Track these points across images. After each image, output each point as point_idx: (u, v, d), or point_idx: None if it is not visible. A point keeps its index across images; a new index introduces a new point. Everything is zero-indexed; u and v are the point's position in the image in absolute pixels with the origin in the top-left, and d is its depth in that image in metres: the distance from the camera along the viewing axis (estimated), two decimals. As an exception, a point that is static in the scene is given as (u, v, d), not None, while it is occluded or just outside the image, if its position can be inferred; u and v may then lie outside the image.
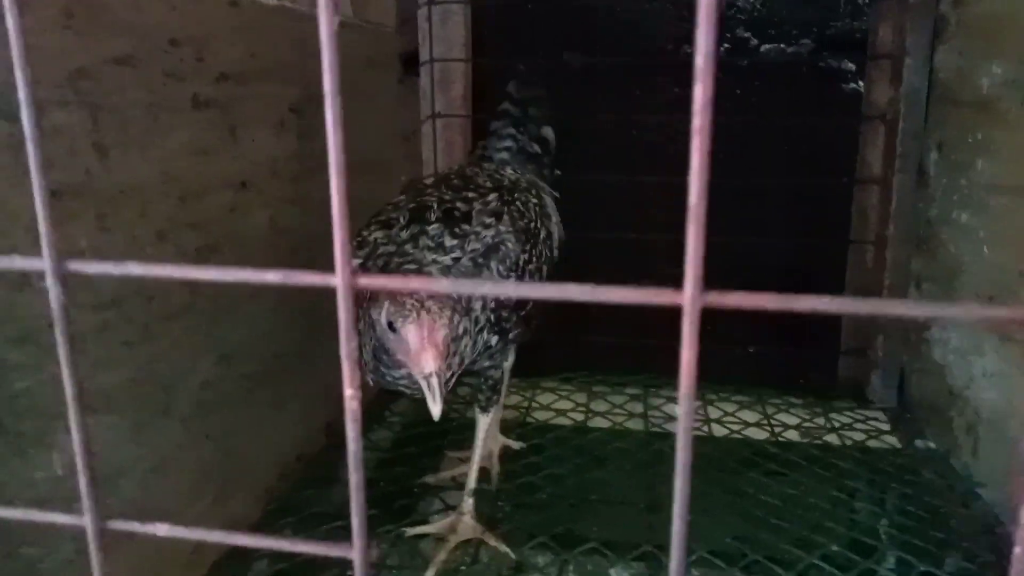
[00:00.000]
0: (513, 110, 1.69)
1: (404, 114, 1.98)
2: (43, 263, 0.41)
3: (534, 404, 1.97)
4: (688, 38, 2.05)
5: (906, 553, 1.34)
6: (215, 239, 1.21)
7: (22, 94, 0.37)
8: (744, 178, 2.01)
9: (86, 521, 0.46)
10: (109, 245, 1.00)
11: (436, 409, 1.01)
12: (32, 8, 0.86)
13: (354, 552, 0.45)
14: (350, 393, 0.41)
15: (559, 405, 1.97)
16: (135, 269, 0.39)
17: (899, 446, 1.77)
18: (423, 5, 1.96)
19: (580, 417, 1.91)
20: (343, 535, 1.22)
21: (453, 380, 1.11)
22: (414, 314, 1.00)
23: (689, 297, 0.36)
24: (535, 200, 1.46)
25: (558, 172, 2.00)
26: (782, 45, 2.04)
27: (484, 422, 1.45)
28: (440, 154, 2.04)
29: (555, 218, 1.58)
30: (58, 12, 0.90)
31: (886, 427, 1.86)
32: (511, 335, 1.29)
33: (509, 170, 1.59)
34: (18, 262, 0.42)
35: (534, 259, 1.33)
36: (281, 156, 1.38)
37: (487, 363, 1.33)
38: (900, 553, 1.34)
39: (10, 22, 0.37)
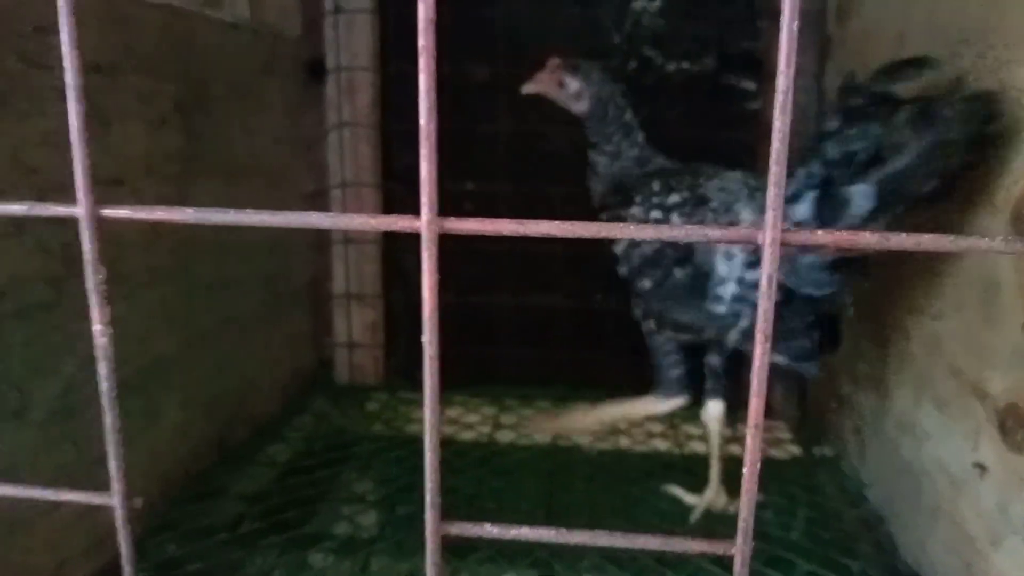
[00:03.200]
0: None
1: (307, 122, 1.95)
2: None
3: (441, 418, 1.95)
4: (589, 54, 2.09)
5: (789, 552, 1.35)
6: (84, 236, 1.16)
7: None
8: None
9: None
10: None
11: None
12: None
13: (114, 498, 0.43)
14: (99, 329, 0.39)
15: (466, 419, 1.95)
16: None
17: (799, 454, 1.80)
18: (329, 13, 1.95)
19: (487, 430, 1.89)
20: (233, 550, 1.17)
21: None
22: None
23: (426, 221, 0.34)
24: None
25: (470, 186, 2.01)
26: (686, 64, 2.10)
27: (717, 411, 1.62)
28: (347, 163, 2.02)
29: None
30: None
31: (788, 436, 1.90)
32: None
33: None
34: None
35: None
36: (161, 155, 1.34)
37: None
38: (780, 551, 1.36)
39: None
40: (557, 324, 2.12)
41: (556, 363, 2.13)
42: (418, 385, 2.12)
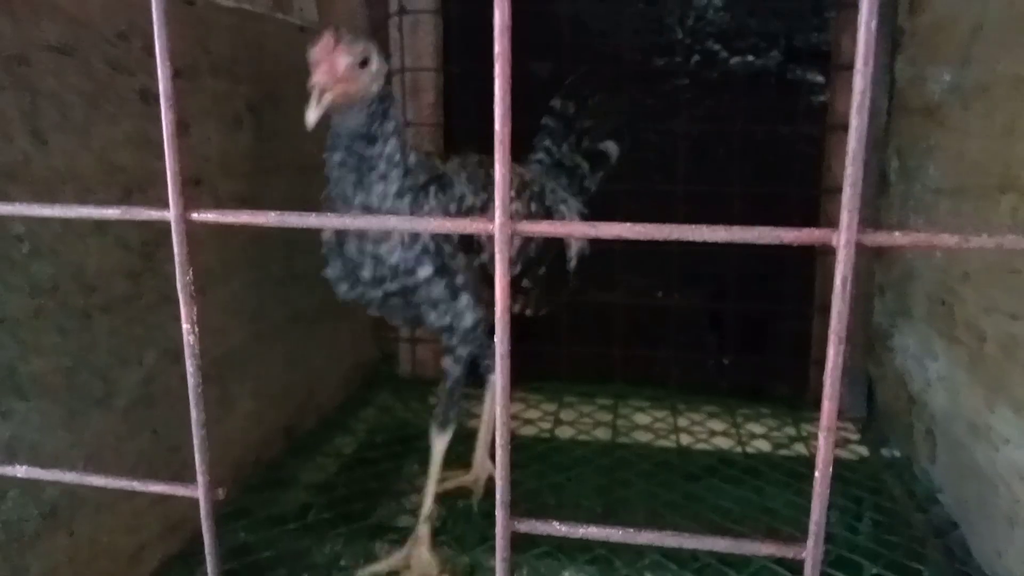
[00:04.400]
0: (553, 124, 1.68)
1: (373, 121, 1.99)
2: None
3: (501, 412, 1.96)
4: (656, 50, 2.08)
5: (855, 554, 1.33)
6: (162, 234, 1.21)
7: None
8: (715, 186, 2.03)
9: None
10: (46, 231, 1.01)
11: (310, 114, 1.04)
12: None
13: (199, 490, 0.45)
14: (187, 328, 0.41)
15: (527, 415, 1.96)
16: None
17: (866, 455, 1.76)
18: (394, 14, 1.98)
19: (547, 426, 1.90)
20: (301, 538, 1.21)
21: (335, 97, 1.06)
22: (327, 35, 1.06)
23: (499, 224, 0.35)
24: (536, 192, 1.49)
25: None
26: (750, 57, 2.06)
27: (440, 444, 1.37)
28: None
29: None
30: (-6, -4, 0.91)
31: (855, 437, 1.85)
32: (458, 280, 1.26)
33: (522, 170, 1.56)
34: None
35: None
36: (235, 154, 1.39)
37: (433, 315, 1.27)
38: (846, 553, 1.33)
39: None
40: (615, 321, 2.11)
41: (614, 361, 2.13)
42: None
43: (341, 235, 1.22)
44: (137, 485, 0.45)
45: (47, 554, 1.03)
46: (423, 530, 1.33)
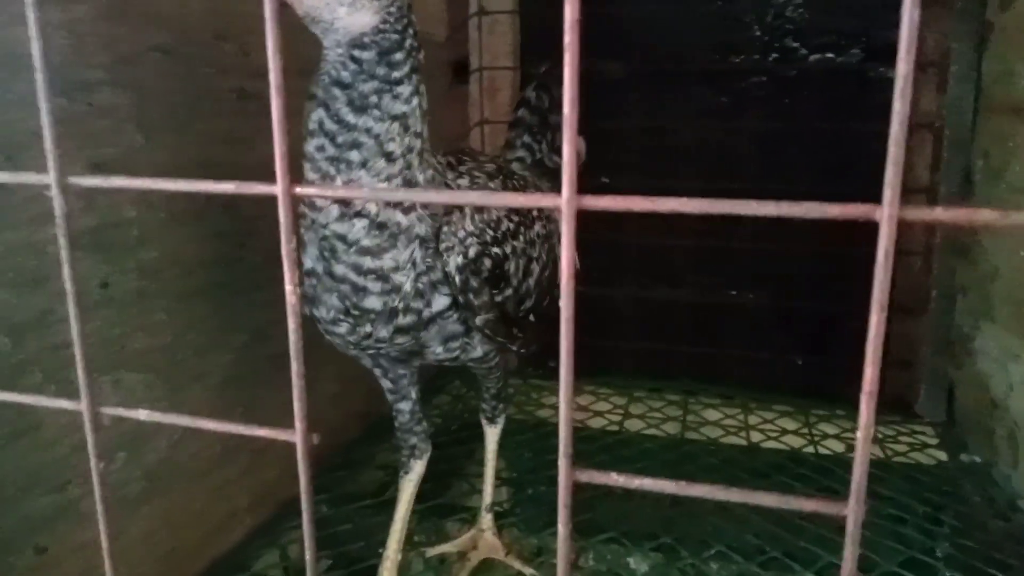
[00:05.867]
0: (529, 118, 1.58)
1: (452, 119, 2.05)
2: (49, 177, 0.48)
3: (571, 405, 1.99)
4: (732, 47, 2.07)
5: (930, 559, 1.31)
6: (254, 224, 1.30)
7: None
8: (790, 184, 2.02)
9: (83, 406, 0.53)
10: (153, 218, 1.09)
11: None
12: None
13: (296, 436, 0.50)
14: (290, 289, 0.46)
15: (596, 407, 1.99)
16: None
17: (945, 460, 1.72)
18: (473, 15, 2.04)
19: (616, 419, 1.92)
20: (376, 514, 1.28)
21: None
22: None
23: (566, 199, 0.39)
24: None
25: (605, 180, 2.05)
26: (831, 54, 2.04)
27: (493, 435, 1.39)
28: (487, 158, 2.11)
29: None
30: (107, 3, 0.99)
31: (933, 441, 1.81)
32: (478, 318, 1.04)
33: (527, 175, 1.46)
34: (24, 176, 0.49)
35: (524, 244, 1.12)
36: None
37: (439, 348, 1.07)
38: (920, 556, 1.31)
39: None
40: (681, 318, 2.11)
41: (680, 358, 2.13)
42: (549, 373, 2.19)
43: (327, 252, 0.93)
44: (243, 429, 0.51)
45: (147, 516, 1.12)
46: (487, 518, 1.38)
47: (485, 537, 1.36)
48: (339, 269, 0.93)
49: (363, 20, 0.87)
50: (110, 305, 1.03)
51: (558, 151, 1.64)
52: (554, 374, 2.22)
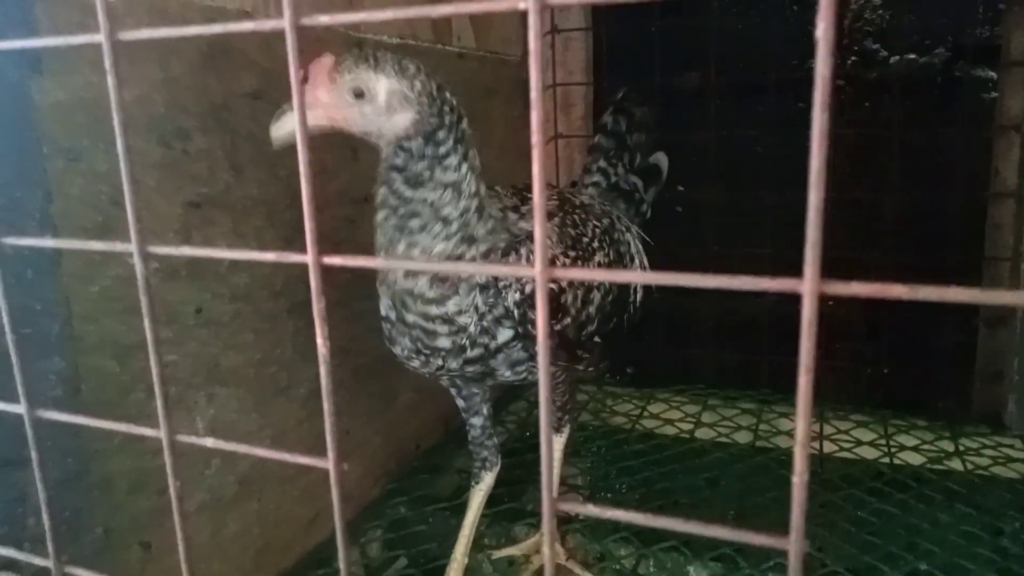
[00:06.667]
0: (606, 143, 1.66)
1: (527, 135, 2.12)
2: (131, 247, 0.58)
3: (645, 413, 2.03)
4: (809, 53, 2.05)
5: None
6: (336, 247, 1.41)
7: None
8: (875, 192, 1.99)
9: (162, 433, 0.63)
10: (243, 246, 1.22)
11: (272, 129, 1.00)
12: (180, 53, 1.09)
13: (329, 463, 0.59)
14: (321, 342, 0.55)
15: (668, 415, 2.02)
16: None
17: (1033, 474, 1.67)
18: (546, 34, 2.10)
19: (688, 427, 1.95)
20: (451, 517, 1.40)
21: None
22: (327, 56, 1.00)
23: (538, 271, 0.45)
24: (607, 225, 1.41)
25: (680, 188, 2.07)
26: (913, 55, 1.99)
27: (559, 444, 1.48)
28: (562, 171, 2.18)
29: (638, 261, 1.54)
30: (201, 55, 1.12)
31: (1020, 455, 1.75)
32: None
33: (595, 204, 1.52)
34: (110, 246, 0.60)
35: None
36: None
37: (507, 372, 1.20)
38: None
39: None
40: (758, 328, 2.11)
41: (760, 367, 2.13)
42: (625, 381, 2.23)
43: (399, 303, 1.10)
44: (274, 454, 0.59)
45: (241, 517, 1.25)
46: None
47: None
48: (410, 317, 1.10)
49: (402, 121, 1.01)
50: (206, 326, 1.16)
51: (636, 172, 1.71)
52: (632, 381, 2.28)
